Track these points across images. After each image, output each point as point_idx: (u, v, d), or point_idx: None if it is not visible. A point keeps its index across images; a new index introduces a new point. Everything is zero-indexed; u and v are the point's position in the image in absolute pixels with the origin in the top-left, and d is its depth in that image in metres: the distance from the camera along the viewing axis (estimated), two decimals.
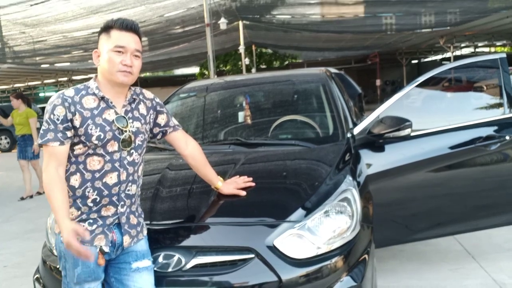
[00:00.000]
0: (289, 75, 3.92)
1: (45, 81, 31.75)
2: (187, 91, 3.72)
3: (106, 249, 1.70)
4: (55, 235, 1.84)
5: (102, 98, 1.71)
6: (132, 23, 1.73)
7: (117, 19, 1.72)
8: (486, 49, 31.66)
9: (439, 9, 17.18)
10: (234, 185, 2.11)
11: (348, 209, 2.06)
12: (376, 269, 2.40)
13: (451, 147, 2.80)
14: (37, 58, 20.76)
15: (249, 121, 3.39)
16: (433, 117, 3.05)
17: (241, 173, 2.22)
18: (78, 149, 1.68)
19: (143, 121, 1.82)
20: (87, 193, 1.68)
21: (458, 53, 29.79)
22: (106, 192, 1.69)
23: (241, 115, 3.47)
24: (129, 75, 1.70)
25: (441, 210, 2.83)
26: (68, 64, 24.02)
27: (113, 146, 1.70)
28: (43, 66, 23.62)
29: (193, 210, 2.10)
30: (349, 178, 2.28)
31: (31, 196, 7.09)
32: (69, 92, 1.70)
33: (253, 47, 29.21)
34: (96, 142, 1.66)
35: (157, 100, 1.95)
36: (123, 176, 1.72)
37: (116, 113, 1.72)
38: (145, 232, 1.86)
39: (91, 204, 1.69)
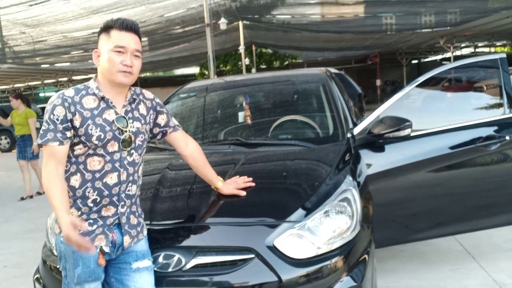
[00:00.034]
0: (289, 75, 3.91)
1: (45, 81, 31.78)
2: (187, 91, 3.72)
3: (107, 249, 1.70)
4: (55, 235, 1.84)
5: (102, 98, 1.71)
6: (132, 23, 1.73)
7: (117, 19, 1.72)
8: (486, 49, 31.68)
9: (439, 9, 17.19)
10: (234, 185, 2.11)
11: (348, 209, 2.06)
12: (376, 269, 2.39)
13: (451, 147, 2.80)
14: (37, 58, 20.76)
15: (249, 121, 3.39)
16: (433, 117, 3.05)
17: (241, 173, 2.22)
18: (78, 149, 1.68)
19: (143, 121, 1.82)
20: (87, 194, 1.68)
21: (458, 53, 29.80)
22: (106, 192, 1.69)
23: (241, 115, 3.47)
24: (129, 75, 1.70)
25: (441, 210, 2.83)
26: (68, 64, 24.04)
27: (113, 146, 1.70)
28: (43, 66, 23.64)
29: (193, 210, 2.10)
30: (349, 178, 2.28)
31: (31, 196, 7.09)
32: (69, 92, 1.70)
33: (253, 47, 29.21)
34: (96, 142, 1.66)
35: (157, 100, 1.95)
36: (123, 176, 1.72)
37: (116, 113, 1.72)
38: (145, 232, 1.86)
39: (91, 205, 1.69)
